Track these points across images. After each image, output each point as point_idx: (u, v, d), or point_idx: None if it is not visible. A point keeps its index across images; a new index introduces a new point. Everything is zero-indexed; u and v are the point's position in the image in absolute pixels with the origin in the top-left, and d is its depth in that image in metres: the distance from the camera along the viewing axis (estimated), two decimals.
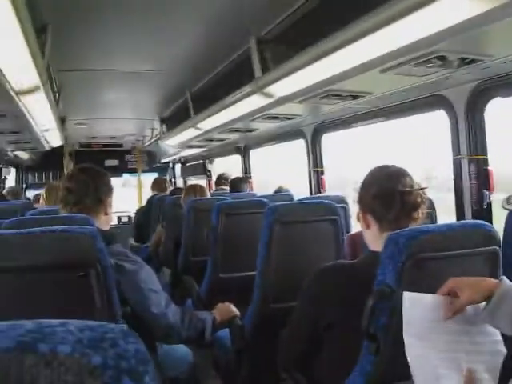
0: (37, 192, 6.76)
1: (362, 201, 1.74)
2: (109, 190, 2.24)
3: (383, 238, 1.47)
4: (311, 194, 4.77)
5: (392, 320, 1.40)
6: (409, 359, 1.27)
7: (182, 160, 9.27)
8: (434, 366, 1.27)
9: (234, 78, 3.72)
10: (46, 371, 0.35)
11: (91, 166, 2.30)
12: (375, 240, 1.68)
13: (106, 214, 2.23)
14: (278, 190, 4.95)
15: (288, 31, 3.01)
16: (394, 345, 1.40)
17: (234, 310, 2.58)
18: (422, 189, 1.67)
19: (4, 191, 6.60)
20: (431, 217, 2.55)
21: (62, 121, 5.14)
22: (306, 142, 4.73)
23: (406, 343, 1.28)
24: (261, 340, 2.61)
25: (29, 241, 1.38)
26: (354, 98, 3.13)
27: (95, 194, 2.16)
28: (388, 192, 1.64)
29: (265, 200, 3.39)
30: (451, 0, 1.62)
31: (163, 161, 9.68)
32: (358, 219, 1.78)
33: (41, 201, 4.03)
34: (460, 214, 2.93)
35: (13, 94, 2.92)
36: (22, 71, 2.63)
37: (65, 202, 2.17)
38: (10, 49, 2.25)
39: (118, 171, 9.40)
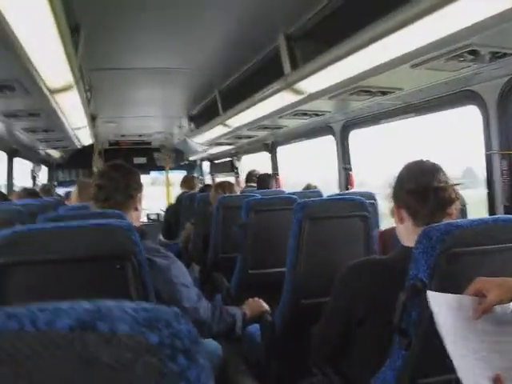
0: (67, 189, 6.86)
1: (396, 195, 1.74)
2: (139, 186, 2.26)
3: (416, 233, 1.46)
4: (340, 190, 4.75)
5: (424, 315, 1.39)
6: (452, 358, 1.26)
7: (210, 157, 9.30)
8: (472, 365, 1.26)
9: (263, 75, 3.73)
10: (106, 348, 0.36)
11: (122, 163, 2.33)
12: (408, 235, 1.67)
13: (137, 209, 2.25)
14: (307, 188, 4.94)
15: (317, 28, 3.01)
16: (426, 340, 1.40)
17: (264, 305, 2.59)
18: (456, 184, 1.66)
19: (36, 188, 6.69)
20: (463, 212, 2.53)
21: (92, 119, 5.20)
22: (336, 138, 4.71)
23: (445, 342, 1.27)
24: (291, 335, 2.62)
25: (67, 234, 1.41)
26: (384, 93, 3.12)
27: (126, 190, 2.18)
28: (423, 187, 1.63)
29: (294, 196, 3.40)
30: None
31: (191, 158, 9.72)
32: (392, 214, 1.77)
33: (72, 197, 4.09)
34: (492, 209, 2.90)
35: (47, 92, 2.97)
36: (57, 70, 2.68)
37: (96, 199, 2.20)
38: (45, 48, 2.30)
39: (146, 169, 9.44)
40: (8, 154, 6.18)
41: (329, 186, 5.19)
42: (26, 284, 1.37)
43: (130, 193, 2.20)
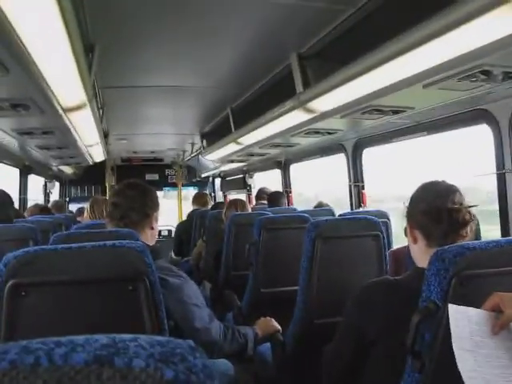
0: (79, 205, 6.91)
1: (410, 216, 1.73)
2: (155, 205, 2.26)
3: (429, 254, 1.45)
4: (351, 208, 4.74)
5: (437, 337, 1.38)
6: (462, 373, 1.25)
7: (222, 174, 9.32)
8: (487, 381, 1.25)
9: (275, 94, 3.75)
10: None
11: (138, 181, 2.33)
12: (422, 256, 1.67)
13: (152, 228, 2.25)
14: (319, 205, 4.94)
15: (329, 47, 3.02)
16: (439, 362, 1.39)
17: (276, 324, 2.57)
18: (471, 206, 1.65)
19: (49, 205, 6.74)
20: (476, 232, 2.52)
21: (104, 136, 5.25)
22: (347, 156, 4.72)
23: (456, 357, 1.26)
24: (303, 355, 2.60)
25: (80, 255, 1.41)
26: (396, 112, 3.12)
27: (141, 208, 2.18)
28: (437, 208, 1.63)
29: (306, 215, 3.40)
30: (495, 15, 1.61)
31: (203, 175, 9.75)
32: (406, 234, 1.77)
33: (85, 214, 4.11)
34: (505, 230, 2.88)
35: (61, 111, 3.00)
36: (71, 89, 2.70)
37: (111, 217, 2.20)
38: (60, 68, 2.33)
39: (159, 185, 9.48)
40: (21, 170, 6.22)
41: (341, 204, 5.18)
42: (39, 304, 1.37)
43: (146, 212, 2.20)
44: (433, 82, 2.31)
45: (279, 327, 2.57)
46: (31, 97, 2.70)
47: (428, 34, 1.90)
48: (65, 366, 0.37)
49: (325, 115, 3.22)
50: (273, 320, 2.58)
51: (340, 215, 3.57)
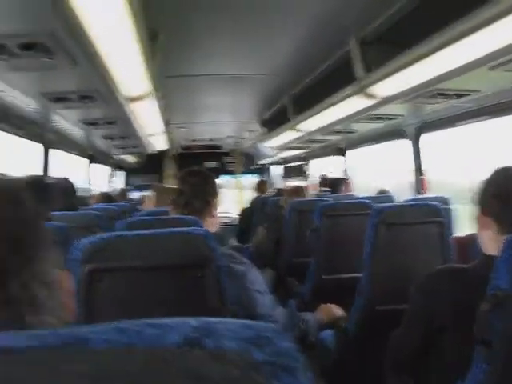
0: (141, 194, 7.06)
1: (480, 201, 1.69)
2: (215, 192, 2.28)
3: (499, 241, 1.41)
4: (415, 195, 4.66)
5: (507, 326, 1.35)
6: None
7: (280, 162, 9.32)
8: None
9: (335, 80, 3.71)
10: (213, 365, 0.37)
11: (199, 168, 2.36)
12: (491, 243, 1.62)
13: (213, 216, 2.27)
14: (380, 193, 4.88)
15: (390, 31, 2.97)
16: (509, 352, 1.36)
17: (338, 311, 2.57)
18: None
19: (113, 193, 6.91)
20: None
21: (165, 125, 5.33)
22: (409, 141, 4.63)
23: None
24: (365, 342, 2.59)
25: (150, 241, 1.45)
26: (460, 96, 3.05)
27: (203, 195, 2.21)
28: (507, 191, 1.58)
29: (367, 201, 3.36)
30: None
31: (261, 162, 9.78)
32: (475, 220, 1.72)
33: (147, 202, 4.18)
34: None
35: (124, 101, 3.06)
36: (134, 79, 2.76)
37: (175, 204, 2.24)
38: (125, 59, 2.38)
39: (217, 173, 9.56)
40: (88, 160, 6.40)
41: (402, 191, 5.10)
42: (111, 289, 1.42)
43: (207, 199, 2.22)
44: (499, 63, 2.24)
45: (342, 313, 2.56)
46: (96, 88, 2.77)
47: (494, 14, 1.85)
48: (157, 346, 0.39)
49: (386, 100, 3.18)
50: (335, 306, 2.57)
51: (403, 202, 3.51)
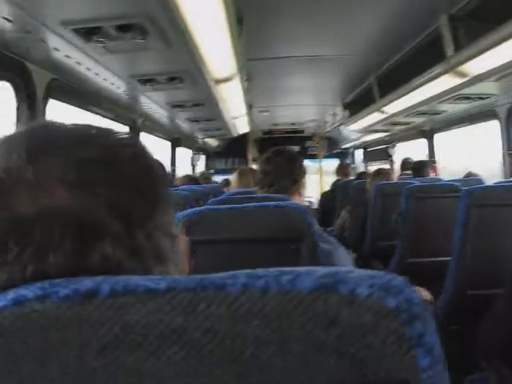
0: (223, 177, 7.16)
1: None
2: (302, 171, 2.28)
3: None
4: (505, 178, 4.48)
5: None
6: None
7: (363, 145, 9.20)
8: None
9: (423, 59, 3.62)
10: (347, 310, 0.39)
11: (284, 148, 2.36)
12: None
13: (300, 195, 2.28)
14: (468, 175, 4.73)
15: (482, 6, 2.86)
16: None
17: (426, 294, 2.52)
18: None
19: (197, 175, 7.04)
20: None
21: (248, 108, 5.37)
22: (500, 123, 4.45)
23: None
24: (455, 326, 2.53)
25: (243, 214, 1.48)
26: None
27: (289, 175, 2.21)
28: None
29: (456, 184, 3.28)
30: None
31: (343, 146, 9.69)
32: None
33: (232, 184, 4.24)
34: None
35: (211, 82, 3.11)
36: (222, 61, 2.79)
37: (262, 184, 2.25)
38: (215, 40, 2.41)
39: None
40: (172, 143, 6.54)
41: (492, 175, 4.92)
42: (206, 261, 1.45)
43: (295, 177, 2.22)
44: None
45: (430, 297, 2.52)
46: (186, 69, 2.83)
47: None
48: (292, 290, 0.40)
49: (478, 79, 3.07)
50: (423, 289, 2.53)
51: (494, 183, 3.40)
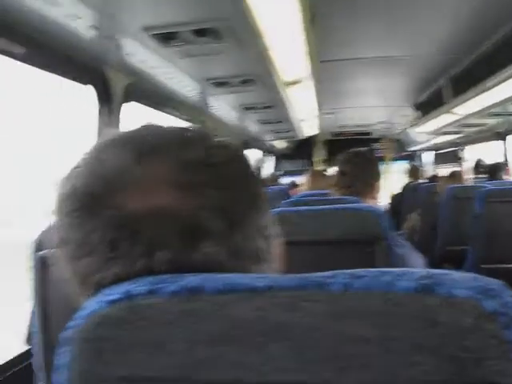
0: (290, 179, 7.15)
1: None
2: (378, 174, 2.26)
3: None
4: None
5: None
6: None
7: (431, 148, 9.01)
8: None
9: (499, 58, 3.51)
10: (446, 311, 0.39)
11: (364, 150, 2.35)
12: None
13: (373, 198, 2.25)
14: None
15: None
16: None
17: None
18: None
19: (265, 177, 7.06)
20: None
21: (317, 110, 5.35)
22: None
23: None
24: None
25: (319, 216, 1.48)
26: None
27: (365, 177, 2.19)
28: None
29: None
30: None
31: (411, 149, 9.51)
32: None
33: (304, 186, 4.24)
34: None
35: (282, 85, 3.12)
36: (294, 62, 2.80)
37: (339, 185, 2.24)
38: (287, 43, 2.42)
39: None
40: (241, 145, 6.60)
41: None
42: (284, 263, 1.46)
43: (370, 181, 2.21)
44: None
45: None
46: (258, 72, 2.85)
47: None
48: (393, 291, 0.41)
49: None
50: None
51: None
